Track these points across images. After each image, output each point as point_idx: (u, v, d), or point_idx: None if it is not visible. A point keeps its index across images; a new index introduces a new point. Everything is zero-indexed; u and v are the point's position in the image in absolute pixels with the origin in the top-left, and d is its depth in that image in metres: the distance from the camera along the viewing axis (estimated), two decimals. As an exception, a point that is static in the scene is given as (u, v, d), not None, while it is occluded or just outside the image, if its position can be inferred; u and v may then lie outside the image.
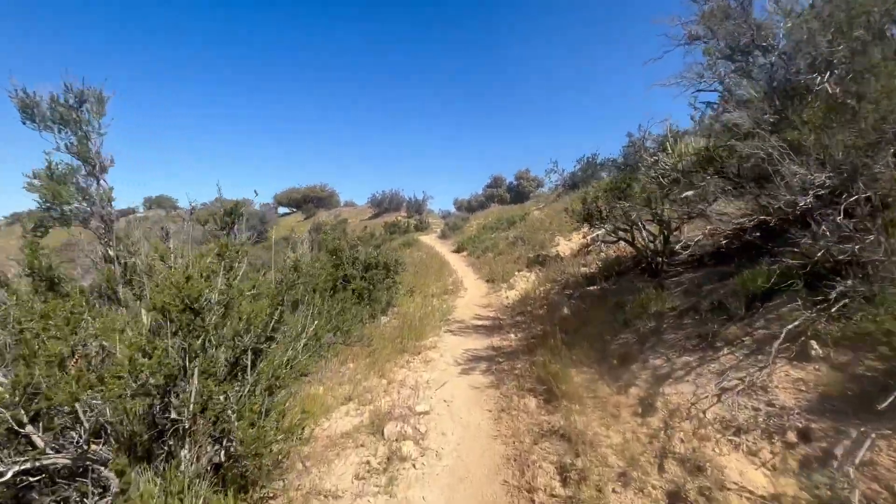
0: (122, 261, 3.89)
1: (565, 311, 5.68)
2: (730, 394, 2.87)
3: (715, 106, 5.38)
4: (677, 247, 5.28)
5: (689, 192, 4.55)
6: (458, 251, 16.74)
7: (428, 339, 6.20)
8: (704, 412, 2.88)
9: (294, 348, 3.37)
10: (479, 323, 7.13)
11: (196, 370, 2.22)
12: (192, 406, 2.16)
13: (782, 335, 2.84)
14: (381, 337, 6.33)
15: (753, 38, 4.77)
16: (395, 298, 8.55)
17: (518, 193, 32.77)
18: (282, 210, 47.97)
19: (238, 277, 2.78)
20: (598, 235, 8.37)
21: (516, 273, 9.73)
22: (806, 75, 4.05)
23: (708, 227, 5.02)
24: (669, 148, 9.73)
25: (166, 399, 2.18)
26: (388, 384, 4.71)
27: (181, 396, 2.17)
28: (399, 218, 28.28)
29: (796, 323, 2.90)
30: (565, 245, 10.79)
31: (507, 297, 8.41)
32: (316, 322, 5.32)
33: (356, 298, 8.24)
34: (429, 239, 21.30)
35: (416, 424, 3.71)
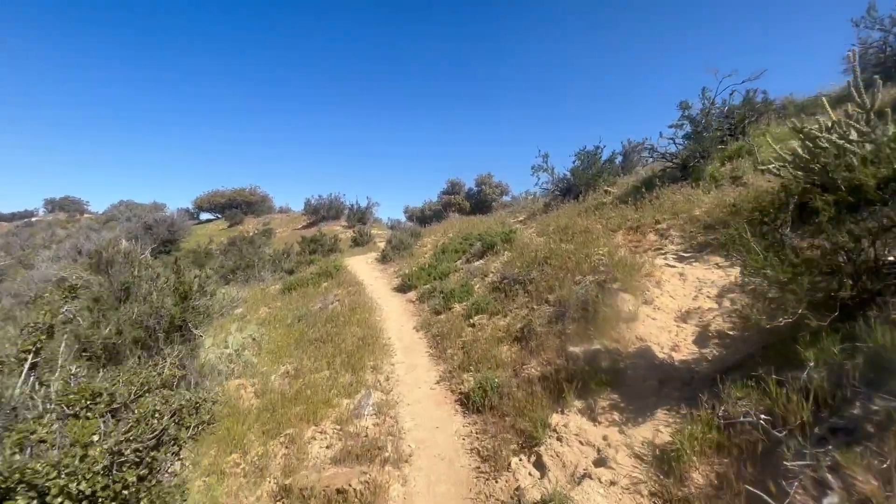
0: None
1: None
2: None
3: None
4: None
5: None
6: (402, 289, 10.10)
7: None
8: None
9: None
10: None
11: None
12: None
13: None
14: None
15: None
16: None
17: (479, 201, 26.83)
18: (204, 216, 41.91)
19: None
20: None
21: (556, 415, 3.27)
22: None
23: None
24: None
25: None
26: None
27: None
28: (326, 230, 21.13)
29: None
30: (653, 317, 4.42)
31: None
32: None
33: None
34: (364, 263, 14.39)
35: None
